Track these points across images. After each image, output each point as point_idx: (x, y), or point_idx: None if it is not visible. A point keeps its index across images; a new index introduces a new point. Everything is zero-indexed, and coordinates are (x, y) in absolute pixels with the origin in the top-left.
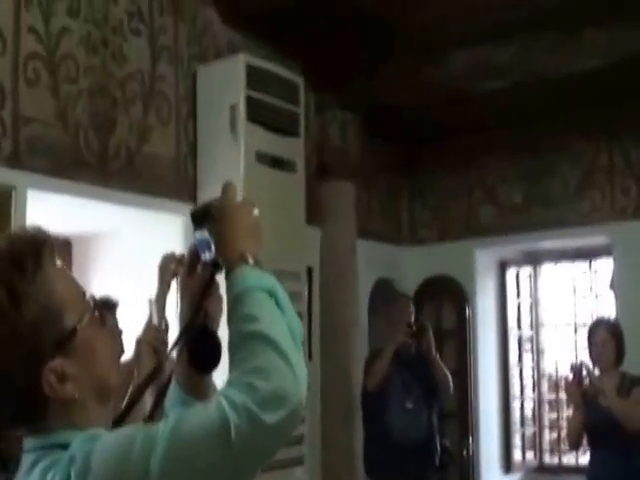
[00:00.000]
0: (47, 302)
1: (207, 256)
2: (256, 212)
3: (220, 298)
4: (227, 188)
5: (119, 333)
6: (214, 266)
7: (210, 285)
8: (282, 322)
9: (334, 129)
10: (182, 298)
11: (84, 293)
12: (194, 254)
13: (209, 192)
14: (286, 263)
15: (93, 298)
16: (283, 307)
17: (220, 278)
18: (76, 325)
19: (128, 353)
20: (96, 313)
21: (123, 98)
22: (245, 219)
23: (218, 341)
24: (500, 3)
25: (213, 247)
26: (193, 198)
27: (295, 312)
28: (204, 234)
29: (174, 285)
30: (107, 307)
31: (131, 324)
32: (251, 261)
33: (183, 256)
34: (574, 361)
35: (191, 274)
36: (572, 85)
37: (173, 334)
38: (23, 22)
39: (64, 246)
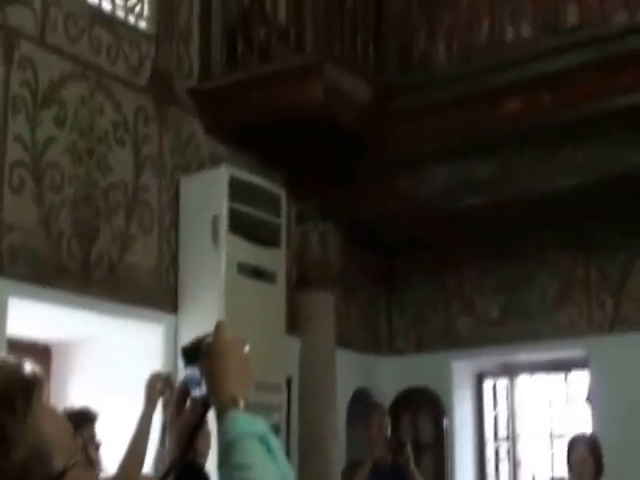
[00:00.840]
0: (37, 443)
1: (197, 393)
2: (247, 349)
3: (209, 434)
4: (219, 326)
5: (97, 446)
6: (204, 405)
7: (200, 426)
8: (274, 469)
9: (314, 239)
10: (170, 433)
11: (72, 432)
12: (183, 391)
13: (190, 302)
14: (266, 374)
15: (81, 435)
16: (274, 452)
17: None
18: (65, 467)
19: (108, 467)
20: (83, 453)
21: (106, 207)
22: (236, 358)
23: (206, 477)
24: (480, 121)
25: (203, 385)
26: (174, 308)
27: (284, 457)
28: (195, 371)
29: (160, 404)
30: (86, 419)
31: (110, 435)
32: (242, 404)
33: (169, 375)
34: (554, 477)
35: (180, 411)
36: (550, 201)
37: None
38: (10, 130)
39: (44, 353)
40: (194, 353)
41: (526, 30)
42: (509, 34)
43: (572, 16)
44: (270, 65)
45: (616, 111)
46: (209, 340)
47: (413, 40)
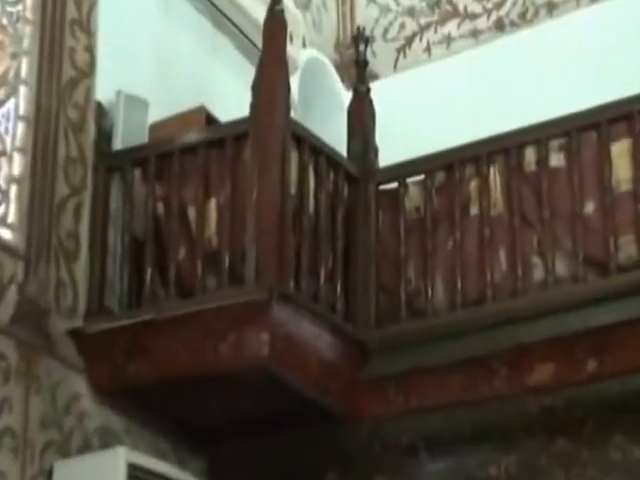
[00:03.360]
0: None
1: None
2: None
3: None
4: None
5: None
6: None
7: None
8: None
9: None
10: None
11: None
12: None
13: None
14: None
15: None
16: None
17: None
18: None
19: None
20: None
21: None
22: None
23: None
24: (493, 396)
25: None
26: None
27: None
28: None
29: None
30: None
31: None
32: None
33: None
34: None
35: None
36: None
37: None
38: None
39: None
40: None
41: (562, 267)
42: (537, 272)
43: (630, 248)
44: (192, 301)
45: None
46: None
47: (398, 279)
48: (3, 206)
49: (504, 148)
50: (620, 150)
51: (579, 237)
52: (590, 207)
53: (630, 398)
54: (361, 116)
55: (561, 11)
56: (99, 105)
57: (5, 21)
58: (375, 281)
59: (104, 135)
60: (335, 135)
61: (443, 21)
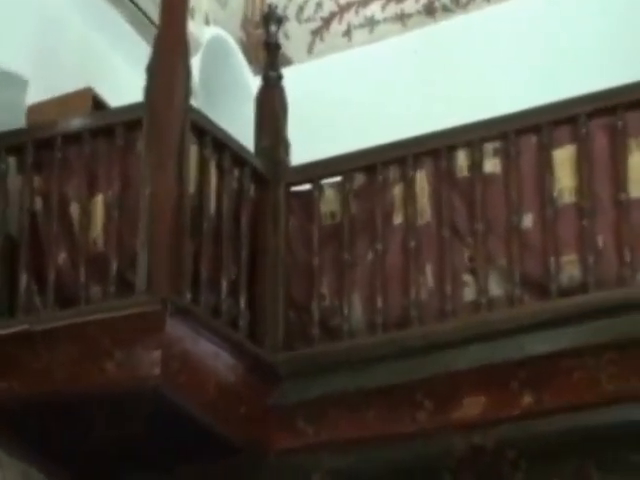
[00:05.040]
0: None
1: None
2: None
3: None
4: None
5: None
6: None
7: None
8: None
9: None
10: None
11: None
12: None
13: None
14: None
15: None
16: None
17: None
18: None
19: None
20: None
21: None
22: None
23: None
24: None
25: None
26: None
27: None
28: None
29: None
30: None
31: None
32: None
33: None
34: None
35: None
36: None
37: None
38: None
39: None
40: None
41: (496, 287)
42: (469, 292)
43: (573, 269)
44: (73, 312)
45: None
46: None
47: (310, 294)
48: None
49: (433, 150)
50: (563, 157)
51: (516, 254)
52: (529, 220)
53: (570, 439)
54: (271, 106)
55: None
56: None
57: None
58: (284, 296)
59: None
60: (241, 127)
61: (366, 2)
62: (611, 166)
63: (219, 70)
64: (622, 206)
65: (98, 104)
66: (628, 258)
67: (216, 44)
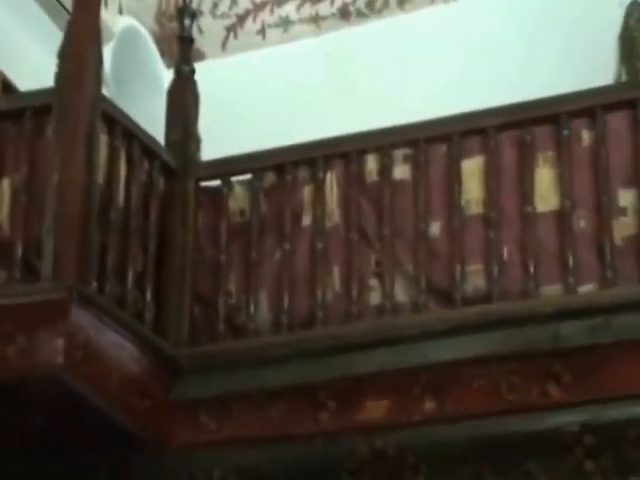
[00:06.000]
0: None
1: None
2: None
3: None
4: None
5: None
6: None
7: None
8: None
9: None
10: None
11: None
12: None
13: None
14: None
15: None
16: None
17: None
18: None
19: None
20: None
21: None
22: None
23: None
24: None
25: None
26: None
27: None
28: None
29: None
30: None
31: None
32: None
33: None
34: None
35: None
36: None
37: None
38: None
39: None
40: None
41: (402, 293)
42: (375, 296)
43: (478, 278)
44: None
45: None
46: None
47: (217, 290)
48: None
49: (343, 153)
50: (472, 168)
51: (422, 261)
52: (436, 228)
53: (470, 446)
54: (182, 100)
55: (414, 5)
56: None
57: None
58: (190, 290)
59: None
60: (151, 119)
61: (281, 1)
62: (518, 179)
63: (131, 61)
64: (528, 219)
65: (7, 87)
66: (532, 271)
67: (129, 34)
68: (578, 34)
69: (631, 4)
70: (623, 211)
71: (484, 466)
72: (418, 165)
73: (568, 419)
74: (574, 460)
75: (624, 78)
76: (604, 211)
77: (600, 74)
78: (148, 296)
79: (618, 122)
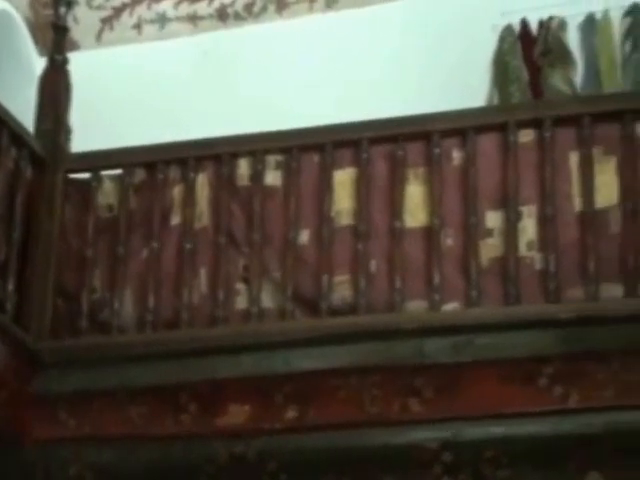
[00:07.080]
0: None
1: None
2: None
3: None
4: None
5: None
6: None
7: None
8: None
9: None
10: None
11: None
12: None
13: None
14: None
15: None
16: None
17: None
18: None
19: None
20: None
21: None
22: None
23: None
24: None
25: None
26: None
27: None
28: None
29: None
30: None
31: None
32: None
33: None
34: None
35: None
36: None
37: None
38: None
39: None
40: None
41: (268, 299)
42: (241, 300)
43: (345, 290)
44: None
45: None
46: None
47: (81, 285)
48: None
49: (215, 155)
50: (343, 179)
51: (290, 269)
52: (305, 237)
53: (330, 456)
54: (54, 89)
55: (292, 12)
56: None
57: None
58: (54, 283)
59: None
60: (21, 107)
61: None
62: (389, 193)
63: (2, 45)
64: (396, 234)
65: None
66: (398, 285)
67: (1, 18)
68: (447, 54)
69: (504, 29)
70: (490, 232)
71: (344, 477)
72: (290, 172)
73: (428, 435)
74: (432, 476)
75: (496, 101)
76: (471, 231)
77: (469, 95)
78: (10, 286)
79: (489, 144)
